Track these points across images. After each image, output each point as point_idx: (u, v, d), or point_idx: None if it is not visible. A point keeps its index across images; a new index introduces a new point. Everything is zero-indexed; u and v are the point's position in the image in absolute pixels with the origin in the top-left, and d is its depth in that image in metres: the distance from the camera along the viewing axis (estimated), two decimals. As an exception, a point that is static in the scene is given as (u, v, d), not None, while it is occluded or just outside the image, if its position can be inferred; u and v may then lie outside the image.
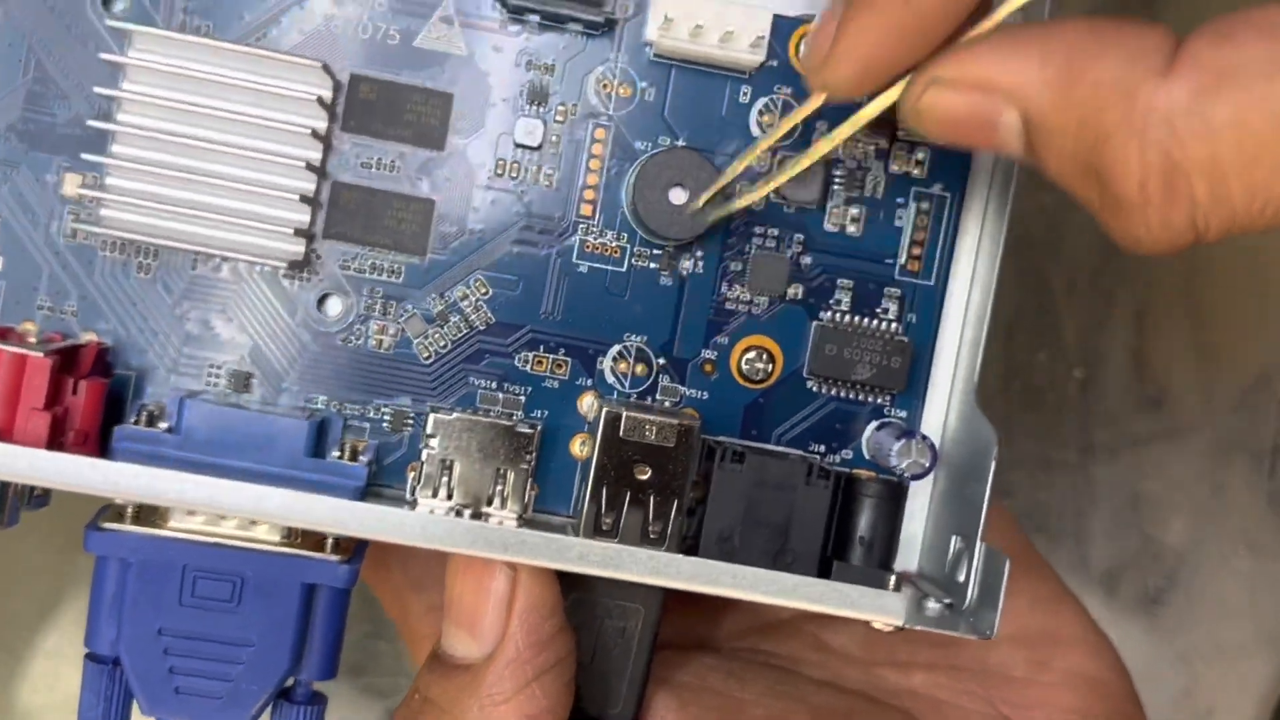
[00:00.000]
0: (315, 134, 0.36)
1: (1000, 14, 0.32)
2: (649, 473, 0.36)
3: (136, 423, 0.36)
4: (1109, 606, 0.60)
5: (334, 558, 0.36)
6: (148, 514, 0.36)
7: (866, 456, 0.40)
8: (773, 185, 0.38)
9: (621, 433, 0.36)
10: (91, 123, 0.36)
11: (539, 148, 0.39)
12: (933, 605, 0.37)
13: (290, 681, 0.37)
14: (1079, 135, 0.29)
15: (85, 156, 0.36)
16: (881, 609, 0.34)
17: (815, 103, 0.35)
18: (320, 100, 0.36)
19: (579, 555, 0.33)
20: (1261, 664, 0.60)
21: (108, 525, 0.36)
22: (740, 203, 0.38)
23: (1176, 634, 0.60)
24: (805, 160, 0.36)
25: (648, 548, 0.36)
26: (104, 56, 0.36)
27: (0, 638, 0.59)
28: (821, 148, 0.36)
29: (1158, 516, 0.60)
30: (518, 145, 0.39)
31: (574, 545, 0.33)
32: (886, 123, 0.39)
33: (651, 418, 0.36)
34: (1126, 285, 0.60)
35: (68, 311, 0.38)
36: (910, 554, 0.40)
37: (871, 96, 0.33)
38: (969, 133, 0.32)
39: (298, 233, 0.37)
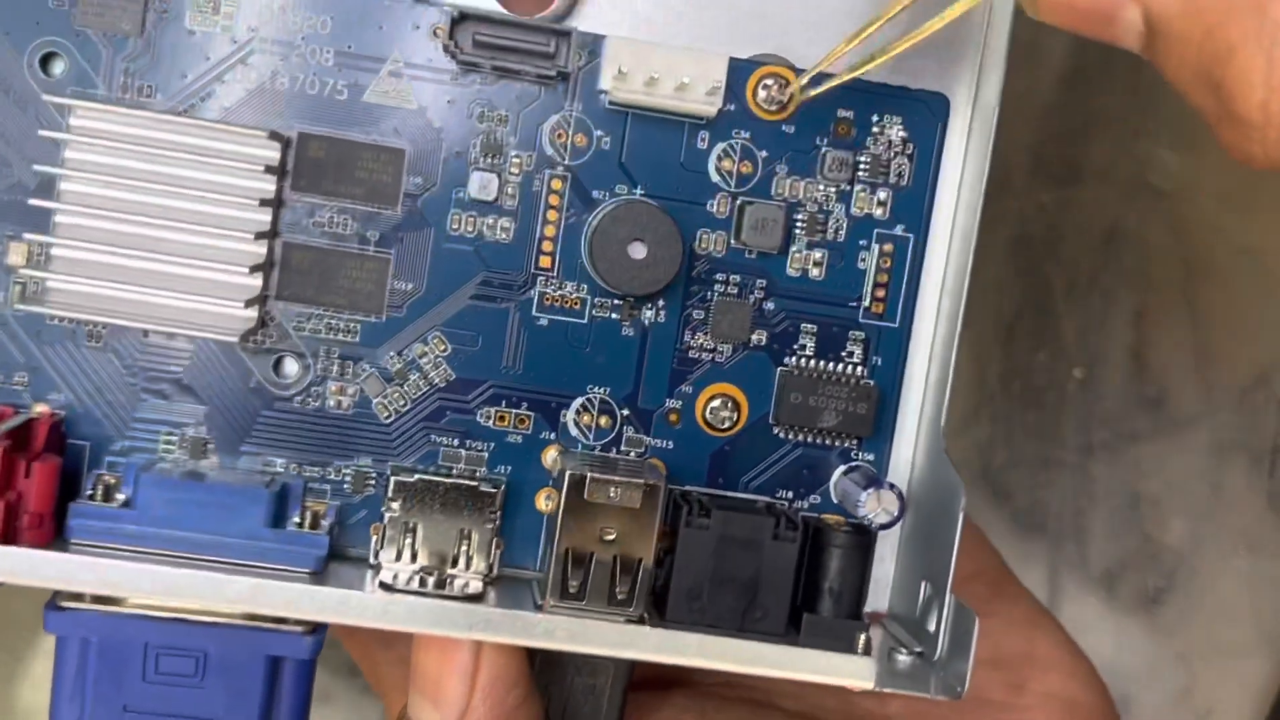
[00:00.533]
0: (263, 201, 0.36)
1: None
2: (614, 534, 0.36)
3: (93, 497, 0.36)
4: (1108, 606, 0.60)
5: (297, 629, 0.36)
6: (107, 589, 0.36)
7: (835, 501, 0.40)
8: (886, 57, 0.36)
9: (585, 495, 0.36)
10: (32, 201, 0.35)
11: (494, 201, 0.38)
12: (903, 658, 0.37)
13: (258, 752, 0.37)
14: (1203, 45, 0.28)
15: (29, 237, 0.35)
16: (849, 674, 0.34)
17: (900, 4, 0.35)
18: (268, 166, 0.35)
19: (545, 631, 0.33)
20: (1261, 663, 0.60)
21: (67, 605, 0.35)
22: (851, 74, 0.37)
23: (1176, 633, 0.60)
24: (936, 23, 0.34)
25: (615, 608, 0.35)
26: (43, 134, 0.35)
27: (0, 638, 0.58)
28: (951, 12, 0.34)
29: (1157, 516, 0.60)
30: (473, 199, 0.38)
31: (539, 622, 0.33)
32: (848, 164, 0.39)
33: (616, 478, 0.36)
34: (1126, 285, 0.60)
35: (17, 383, 0.37)
36: (880, 594, 0.40)
37: None
38: (1088, 23, 0.30)
39: (249, 303, 0.36)
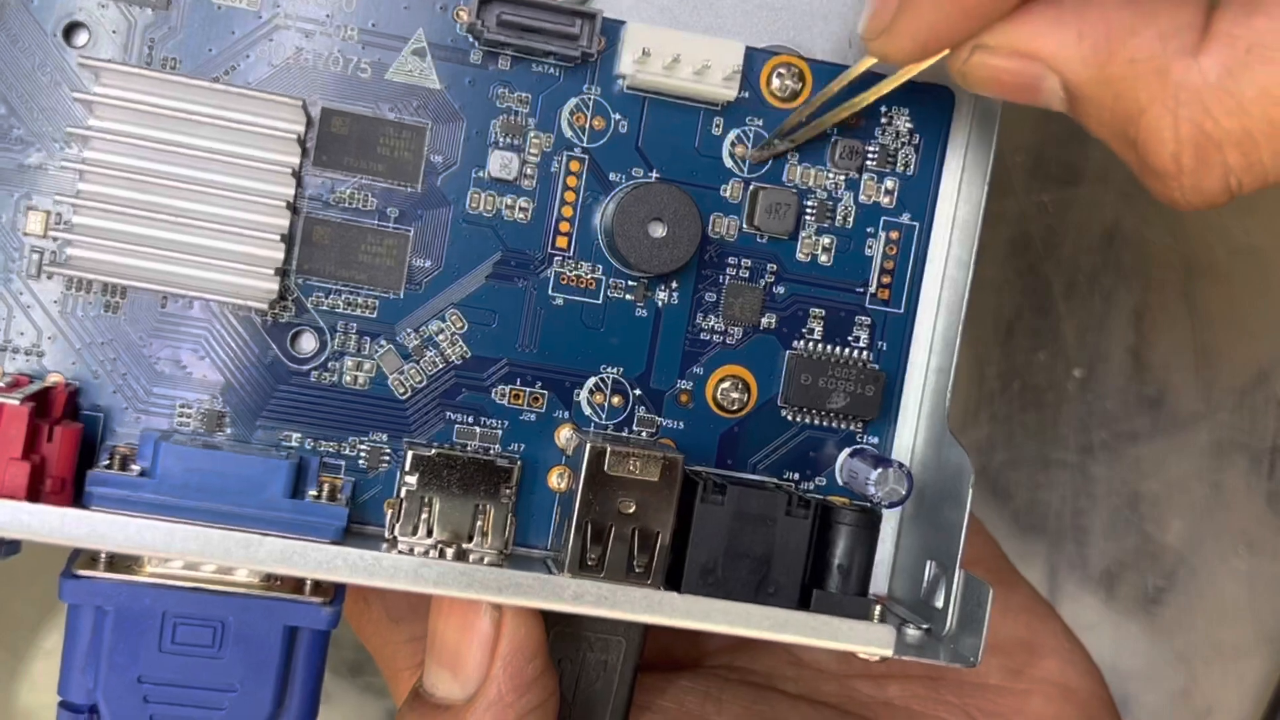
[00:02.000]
0: (290, 171, 0.36)
1: None
2: (633, 507, 0.36)
3: (109, 466, 0.36)
4: (1108, 606, 0.61)
5: (316, 600, 0.36)
6: (122, 559, 0.36)
7: (840, 483, 0.41)
8: (823, 126, 0.39)
9: (605, 468, 0.36)
10: (63, 163, 0.35)
11: (513, 181, 0.39)
12: (912, 631, 0.37)
13: (270, 726, 0.37)
14: (1115, 108, 0.31)
15: (60, 198, 0.35)
16: (870, 640, 0.35)
17: (865, 64, 0.36)
18: (293, 138, 0.36)
19: (574, 595, 0.33)
20: (1260, 663, 0.61)
21: (83, 573, 0.35)
22: (796, 139, 0.39)
23: (1175, 633, 0.61)
24: (859, 102, 0.38)
25: (633, 582, 0.36)
26: (74, 95, 0.35)
27: (0, 638, 0.57)
28: (869, 97, 0.37)
29: (1157, 516, 0.61)
30: (493, 178, 0.38)
31: (568, 586, 0.33)
32: (858, 153, 0.40)
33: (635, 451, 0.36)
34: (1126, 285, 0.61)
35: (33, 352, 0.37)
36: (878, 577, 0.41)
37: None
38: (1013, 93, 0.33)
39: (269, 275, 0.36)
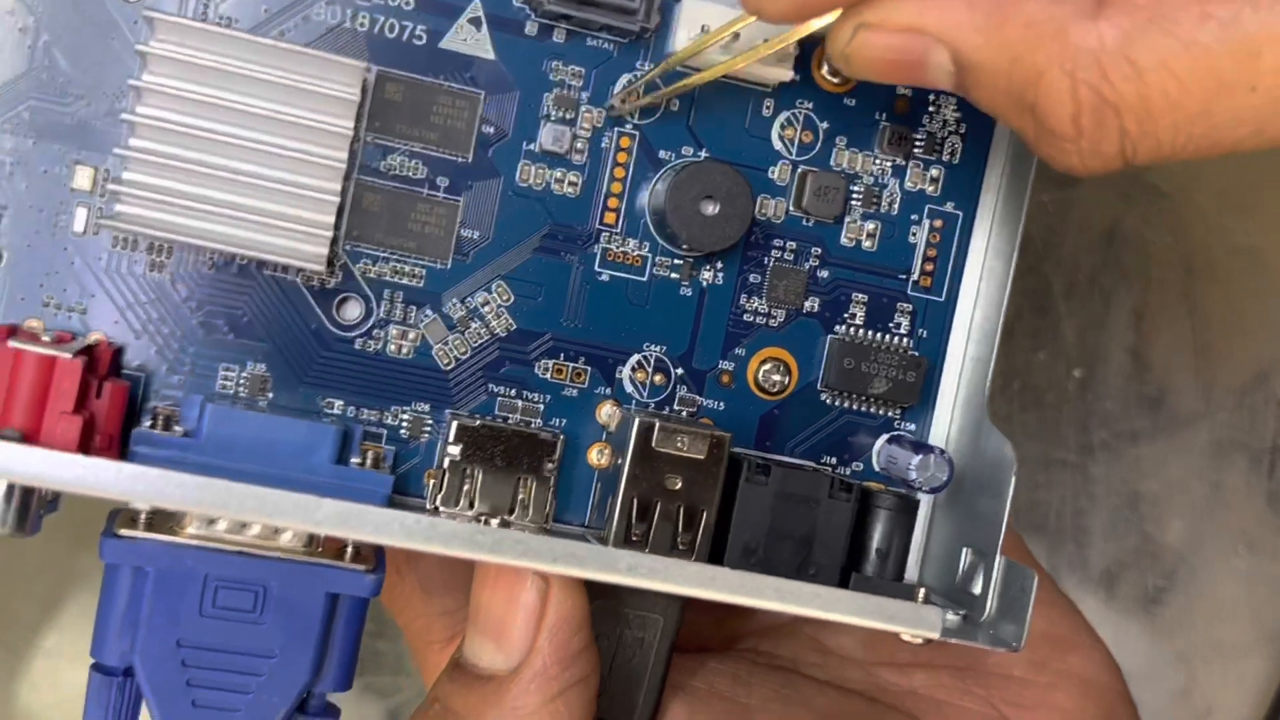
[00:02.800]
0: (344, 135, 0.36)
1: None
2: (679, 484, 0.36)
3: (152, 427, 0.35)
4: (1108, 606, 0.61)
5: (359, 567, 0.35)
6: (162, 521, 0.35)
7: (877, 469, 0.41)
8: (695, 81, 0.37)
9: (654, 444, 0.36)
10: (117, 118, 0.35)
11: (564, 154, 0.38)
12: (950, 617, 0.37)
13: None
14: (1011, 73, 0.30)
15: (117, 150, 0.34)
16: (919, 622, 0.35)
17: (743, 22, 0.36)
18: (348, 101, 0.35)
19: (628, 567, 0.33)
20: (1260, 663, 0.62)
21: (124, 532, 0.34)
22: (662, 93, 0.38)
23: (1175, 633, 0.61)
24: (731, 64, 0.36)
25: (677, 559, 0.36)
26: (135, 47, 0.35)
27: (1, 637, 0.57)
28: (738, 62, 0.36)
29: (1157, 516, 0.61)
30: (544, 151, 0.38)
31: (623, 557, 0.33)
32: (905, 140, 0.40)
33: (683, 428, 0.36)
34: (1126, 285, 0.61)
35: (75, 309, 0.36)
36: (908, 564, 0.41)
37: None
38: (898, 73, 0.32)
39: (321, 235, 0.36)
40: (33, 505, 0.32)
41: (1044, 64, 0.29)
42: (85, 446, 0.32)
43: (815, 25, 0.33)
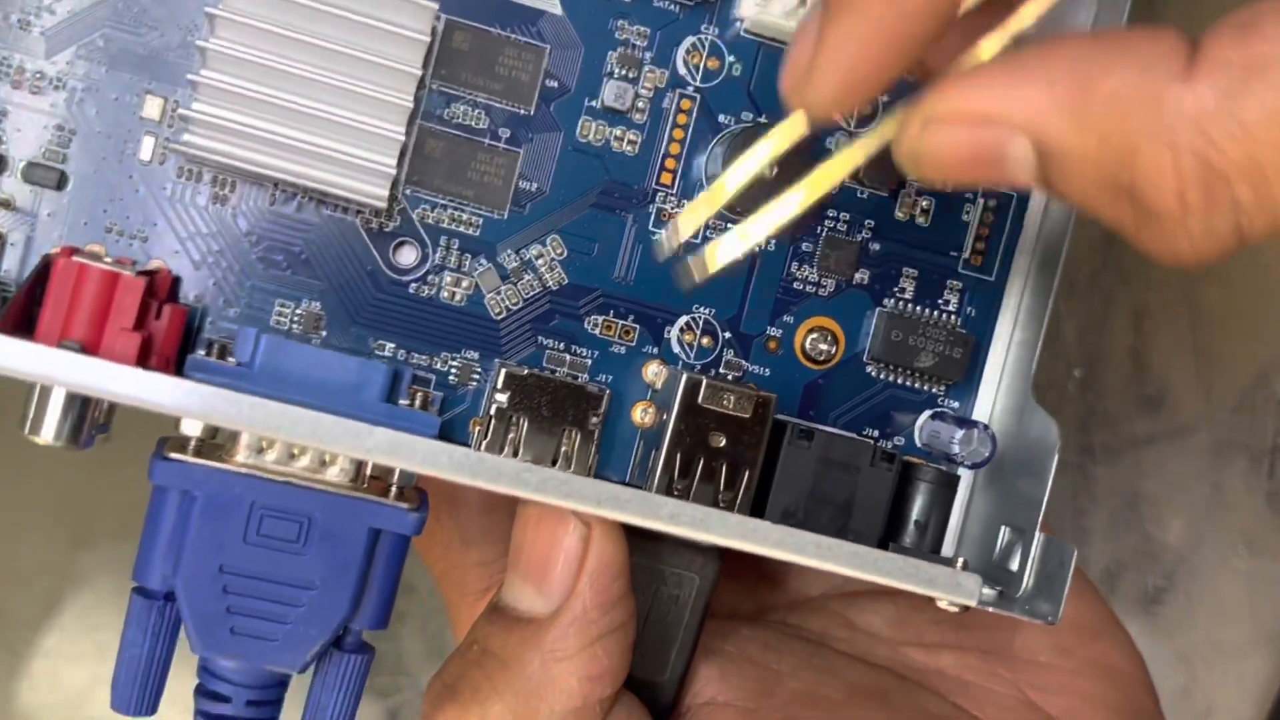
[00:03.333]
0: (412, 74, 0.36)
1: (1011, 25, 0.30)
2: (723, 441, 0.36)
3: (207, 355, 0.36)
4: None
5: (404, 504, 0.36)
6: (211, 450, 0.36)
7: (918, 445, 0.41)
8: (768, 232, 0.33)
9: (700, 400, 0.36)
10: (189, 47, 0.35)
11: (626, 112, 0.39)
12: (986, 591, 0.37)
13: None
14: (1102, 153, 0.27)
15: (189, 77, 0.35)
16: (958, 589, 0.35)
17: (798, 129, 0.32)
18: (424, 42, 0.36)
19: (670, 515, 0.33)
20: (1260, 663, 0.61)
21: (175, 455, 0.35)
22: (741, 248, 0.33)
23: (1175, 633, 0.61)
24: (799, 206, 0.33)
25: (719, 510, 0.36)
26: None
27: (1, 637, 0.57)
28: (813, 191, 0.32)
29: (1157, 516, 0.61)
30: (605, 108, 0.39)
31: (665, 504, 0.33)
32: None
33: (730, 386, 0.37)
34: (1126, 285, 0.61)
35: (137, 236, 0.37)
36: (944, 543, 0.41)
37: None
38: (975, 170, 0.29)
39: (384, 174, 0.36)
40: (87, 420, 0.33)
41: (1138, 138, 0.27)
42: (142, 365, 0.33)
43: (886, 135, 0.30)
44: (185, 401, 0.31)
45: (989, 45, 0.30)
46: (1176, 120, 0.26)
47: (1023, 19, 0.30)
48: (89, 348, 0.32)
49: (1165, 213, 0.27)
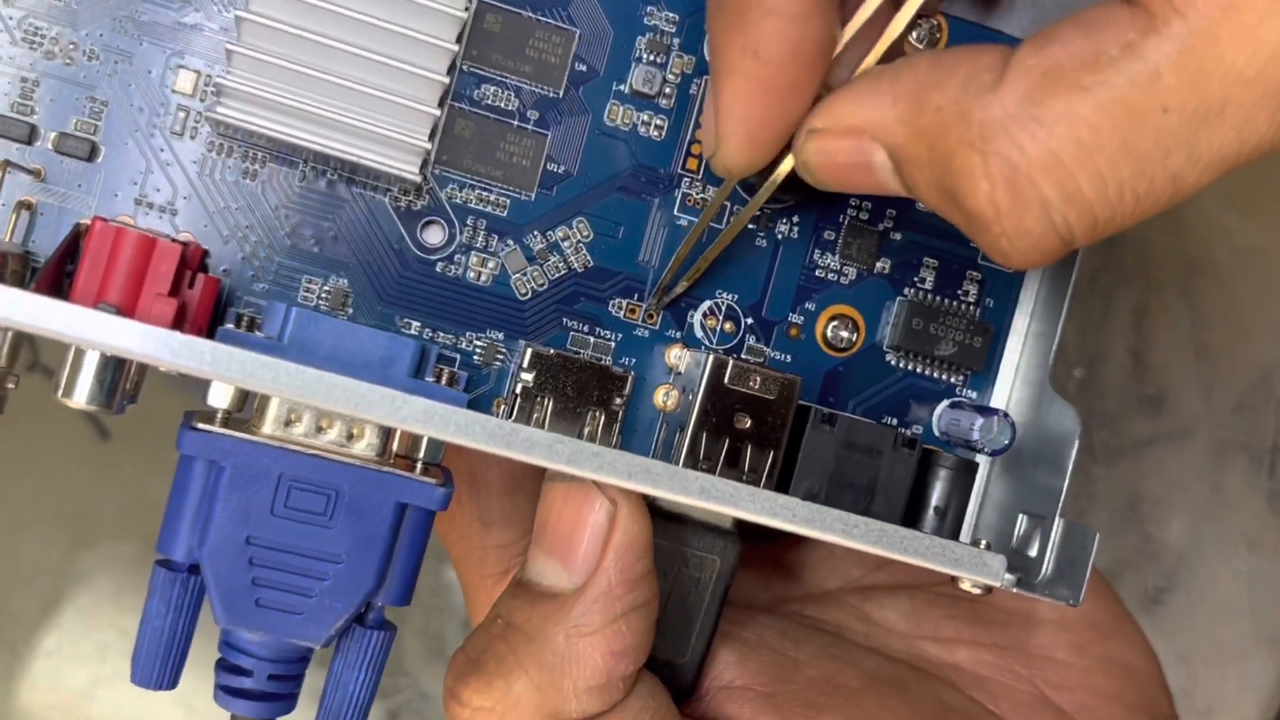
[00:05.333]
0: (447, 49, 0.36)
1: (886, 37, 0.34)
2: (748, 423, 0.37)
3: (237, 327, 0.36)
4: None
5: (430, 480, 0.36)
6: (238, 422, 0.36)
7: (936, 433, 0.41)
8: (705, 263, 0.39)
9: (726, 380, 0.37)
10: (235, 12, 0.36)
11: (653, 97, 0.39)
12: (1007, 576, 0.38)
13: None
14: (931, 161, 0.30)
15: (227, 46, 0.35)
16: (982, 569, 0.35)
17: (726, 189, 0.37)
18: (458, 17, 0.36)
19: (700, 489, 0.33)
20: (1260, 663, 0.62)
21: (204, 426, 0.35)
22: (681, 286, 0.39)
23: (1176, 633, 0.61)
24: (726, 236, 0.38)
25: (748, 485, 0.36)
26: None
27: (1, 637, 0.57)
28: (736, 225, 0.38)
29: (1157, 516, 0.62)
30: (633, 92, 0.39)
31: (695, 479, 0.33)
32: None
33: (757, 368, 0.37)
34: (1126, 285, 0.61)
35: (166, 209, 0.37)
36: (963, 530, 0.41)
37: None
38: (853, 176, 0.32)
39: (416, 148, 0.36)
40: (120, 385, 0.33)
41: (955, 145, 0.29)
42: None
43: (790, 163, 0.34)
44: (222, 365, 0.31)
45: (869, 60, 0.34)
46: (984, 126, 0.29)
47: (892, 32, 0.34)
48: (124, 312, 0.32)
49: (979, 213, 0.30)
